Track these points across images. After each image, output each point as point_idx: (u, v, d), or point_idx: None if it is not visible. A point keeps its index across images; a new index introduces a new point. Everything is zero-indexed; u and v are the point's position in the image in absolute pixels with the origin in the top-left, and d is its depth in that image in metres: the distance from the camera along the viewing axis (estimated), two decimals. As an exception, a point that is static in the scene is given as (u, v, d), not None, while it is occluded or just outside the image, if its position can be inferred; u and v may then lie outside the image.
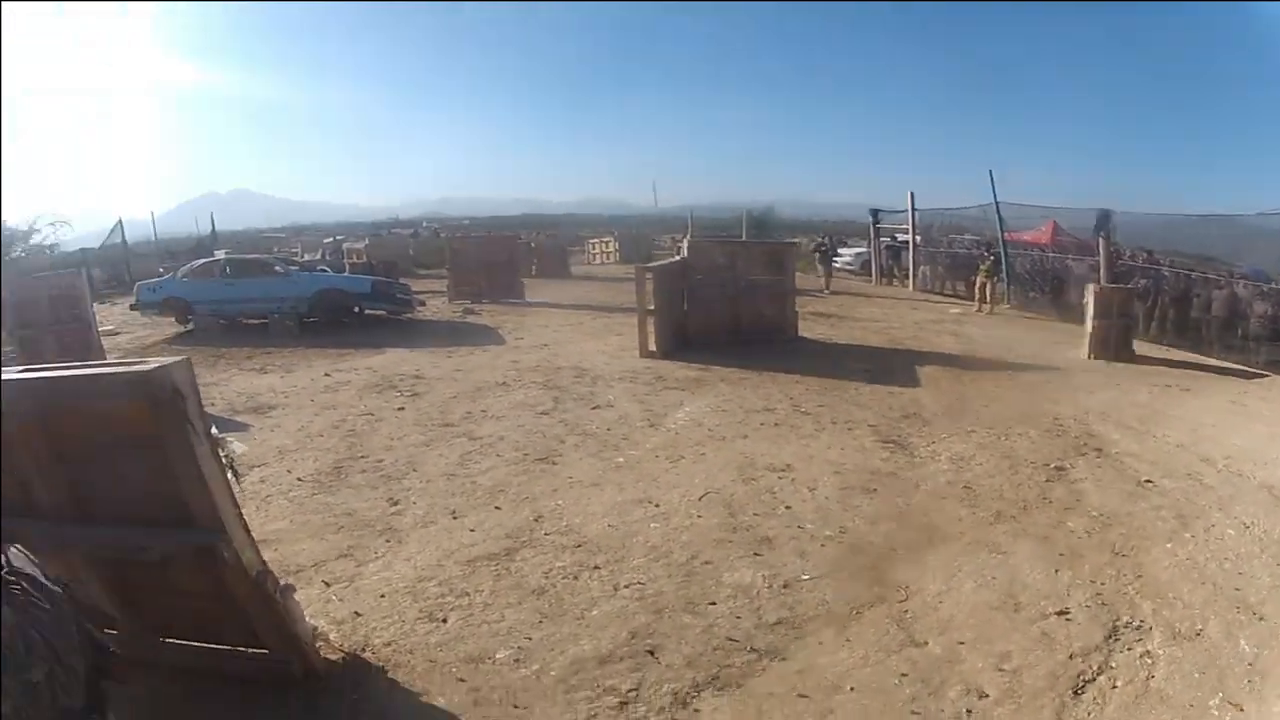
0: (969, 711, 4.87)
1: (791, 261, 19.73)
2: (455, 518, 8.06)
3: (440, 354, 17.44)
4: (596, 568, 6.86)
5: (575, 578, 6.69)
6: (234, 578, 4.66)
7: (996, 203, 27.09)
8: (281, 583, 4.97)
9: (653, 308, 16.39)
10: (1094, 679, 5.22)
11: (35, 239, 24.36)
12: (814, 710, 4.91)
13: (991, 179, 27.28)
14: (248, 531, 4.78)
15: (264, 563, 4.91)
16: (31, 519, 4.63)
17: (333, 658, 5.47)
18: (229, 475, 4.95)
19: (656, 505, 8.22)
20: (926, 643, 5.62)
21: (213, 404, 12.98)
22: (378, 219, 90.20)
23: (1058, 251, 26.34)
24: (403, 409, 12.64)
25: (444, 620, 6.00)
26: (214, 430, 4.91)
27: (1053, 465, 9.53)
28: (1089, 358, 16.74)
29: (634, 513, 8.06)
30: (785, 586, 6.45)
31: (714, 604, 6.20)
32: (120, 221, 38.70)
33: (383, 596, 6.40)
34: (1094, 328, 17.05)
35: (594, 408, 12.39)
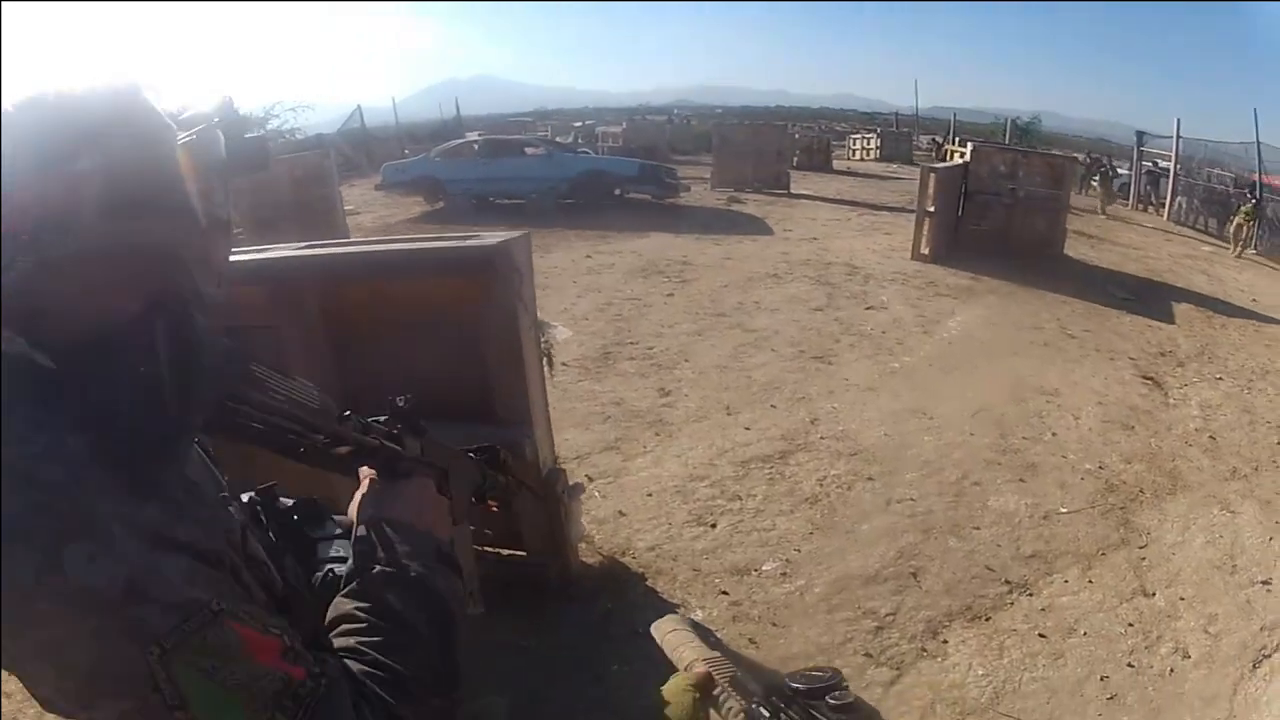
0: (1171, 671, 4.75)
1: (1070, 177, 18.98)
2: (729, 414, 7.80)
3: (707, 241, 17.07)
4: (870, 479, 6.60)
5: (849, 488, 6.45)
6: (525, 476, 4.28)
7: (1259, 143, 25.10)
8: (570, 481, 4.70)
9: (931, 210, 15.67)
10: (1270, 655, 4.96)
11: (273, 124, 24.76)
12: (1048, 651, 4.80)
13: (1255, 118, 25.49)
14: (549, 425, 4.64)
15: (556, 459, 4.79)
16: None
17: (590, 562, 5.28)
18: (544, 364, 4.73)
19: (930, 417, 7.89)
20: (1154, 594, 5.47)
21: None
22: (626, 106, 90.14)
23: None
24: (671, 295, 12.42)
25: (713, 525, 5.80)
26: (541, 319, 4.56)
27: None
28: None
29: (909, 423, 7.74)
30: (1044, 518, 6.23)
31: (978, 529, 6.01)
32: (359, 107, 39.38)
33: (649, 495, 6.21)
34: None
35: (867, 308, 11.98)
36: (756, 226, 19.38)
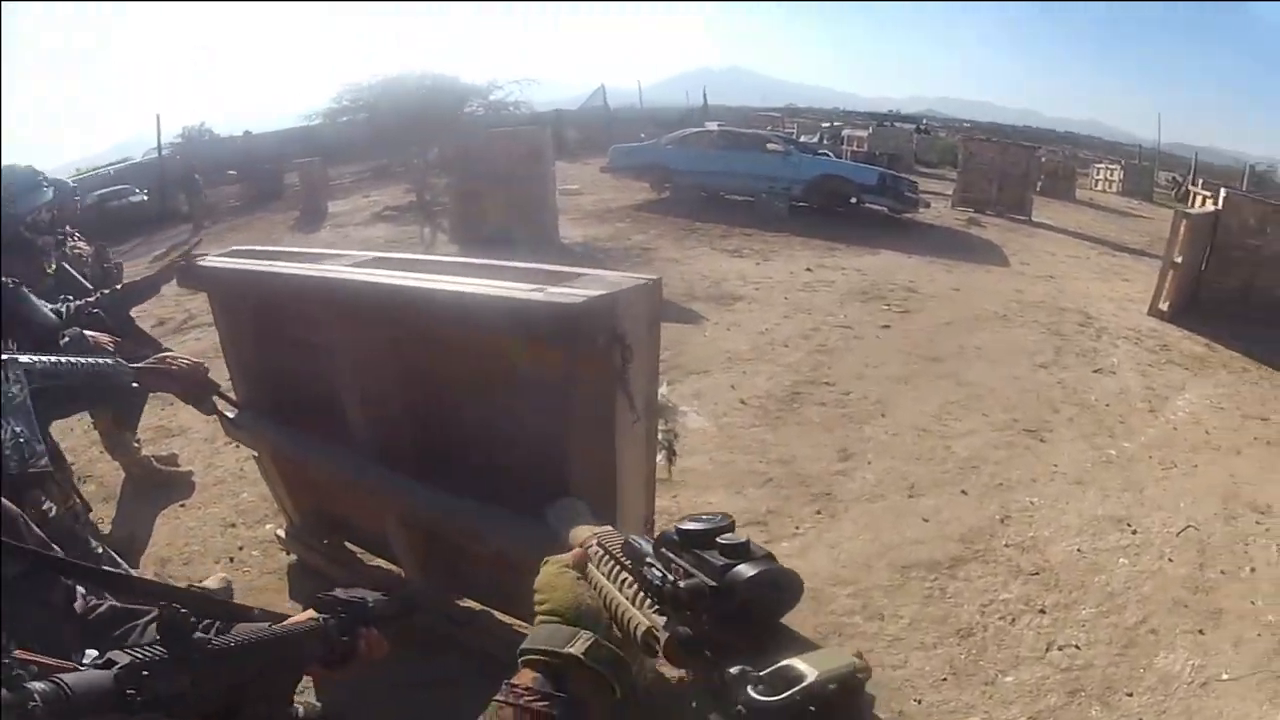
0: None
1: None
2: (911, 495, 6.69)
3: (939, 266, 15.83)
4: (1041, 611, 5.48)
5: (1013, 621, 5.36)
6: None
7: None
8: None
9: (1178, 260, 14.26)
10: None
11: (496, 95, 24.56)
12: None
13: None
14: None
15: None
16: (371, 461, 3.92)
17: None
18: (659, 458, 3.87)
19: (1134, 531, 6.67)
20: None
21: (669, 284, 12.10)
22: (875, 109, 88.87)
23: None
24: (887, 328, 11.27)
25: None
26: (663, 392, 3.55)
27: None
28: None
29: (1108, 536, 6.54)
30: (1203, 685, 5.08)
31: (1130, 695, 4.91)
32: (603, 86, 39.42)
33: None
34: None
35: (1095, 370, 10.61)
36: (993, 255, 18.08)
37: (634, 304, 2.93)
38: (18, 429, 2.81)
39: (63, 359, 3.02)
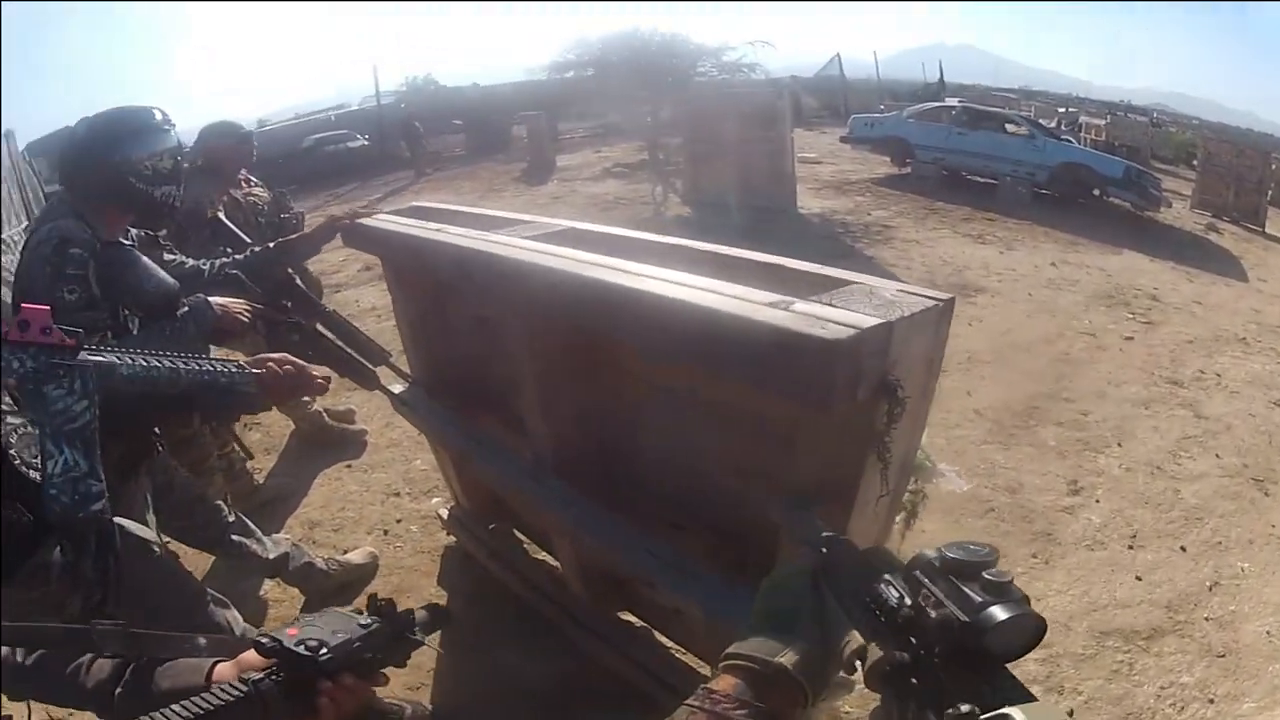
0: None
1: None
2: (1131, 547, 5.95)
3: (1180, 274, 14.69)
4: (1212, 701, 4.77)
5: (1181, 709, 4.67)
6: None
7: None
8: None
9: None
10: None
11: (729, 56, 24.23)
12: None
13: None
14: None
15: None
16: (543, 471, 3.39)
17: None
18: (897, 520, 3.33)
19: None
20: None
21: (909, 268, 11.86)
22: (1106, 98, 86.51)
23: None
24: (1131, 339, 10.35)
25: None
26: (921, 444, 2.81)
27: None
28: None
29: None
30: None
31: None
32: (838, 55, 39.09)
33: None
34: None
35: (1339, 415, 9.62)
36: (1231, 267, 16.70)
37: (915, 336, 2.10)
38: (74, 458, 2.15)
39: (162, 362, 2.34)
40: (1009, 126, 20.97)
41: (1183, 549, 6.03)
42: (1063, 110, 46.16)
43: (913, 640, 1.21)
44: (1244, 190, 22.84)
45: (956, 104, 23.90)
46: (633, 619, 3.93)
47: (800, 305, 2.05)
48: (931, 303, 2.14)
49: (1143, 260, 15.01)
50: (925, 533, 5.39)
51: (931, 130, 20.59)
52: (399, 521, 5.36)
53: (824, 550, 1.49)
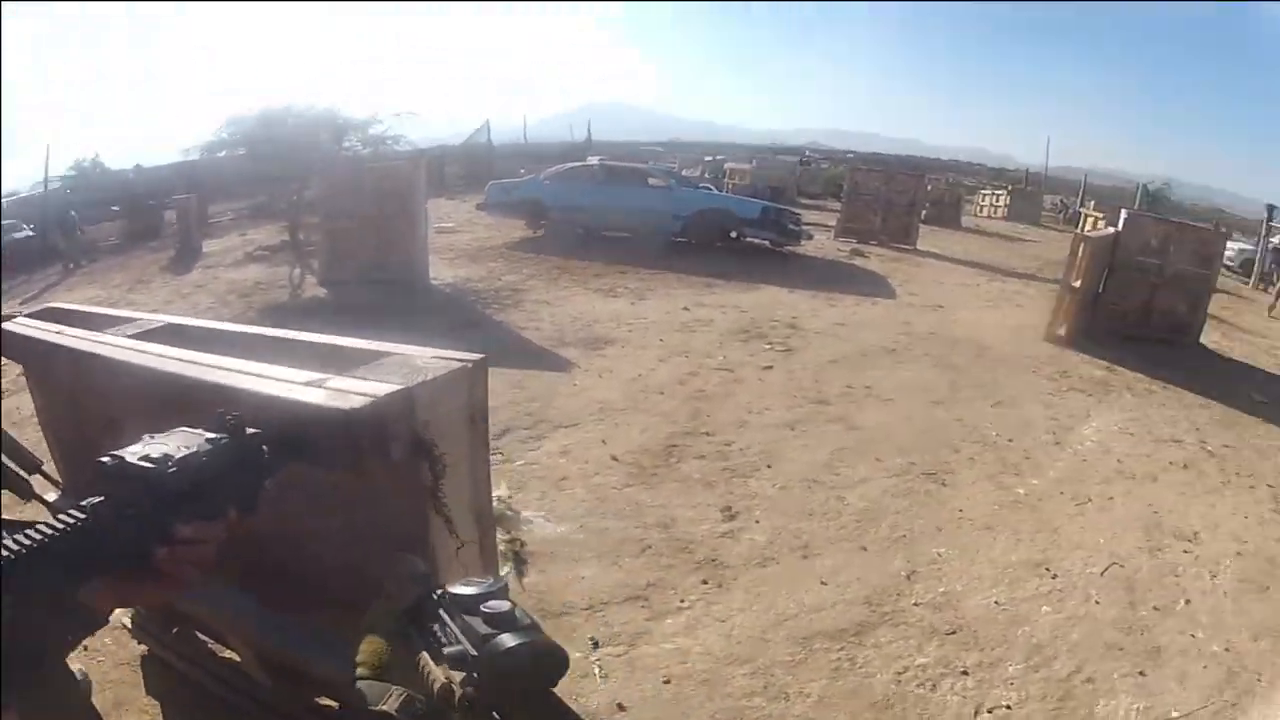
0: None
1: (1220, 255, 17.40)
2: (805, 557, 6.20)
3: (821, 300, 15.54)
4: (964, 672, 5.11)
5: (934, 687, 4.96)
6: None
7: None
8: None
9: (1076, 284, 14.25)
10: None
11: (375, 129, 24.21)
12: None
13: None
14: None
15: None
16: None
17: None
18: (505, 572, 3.65)
19: (1054, 575, 6.41)
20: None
21: (539, 328, 11.94)
22: (759, 143, 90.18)
23: None
24: (769, 368, 10.80)
25: None
26: (501, 495, 3.02)
27: None
28: None
29: (1027, 583, 6.25)
30: None
31: None
32: (487, 122, 39.53)
33: (667, 683, 4.67)
34: None
35: (994, 404, 10.36)
36: (878, 286, 17.90)
37: (446, 397, 2.32)
38: None
39: None
40: (651, 180, 21.53)
41: (863, 549, 6.39)
42: (709, 158, 47.80)
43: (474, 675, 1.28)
44: (893, 214, 24.72)
45: (594, 162, 24.57)
46: (330, 702, 3.88)
47: (334, 381, 2.24)
48: (458, 364, 2.38)
49: (781, 293, 15.70)
50: (584, 578, 5.52)
51: (569, 190, 20.82)
52: (94, 635, 5.17)
53: (414, 590, 1.54)
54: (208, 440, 1.44)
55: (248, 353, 2.72)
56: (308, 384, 2.24)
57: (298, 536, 2.90)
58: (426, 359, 2.46)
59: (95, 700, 4.57)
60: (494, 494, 2.94)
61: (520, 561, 4.53)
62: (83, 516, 1.22)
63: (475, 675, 1.27)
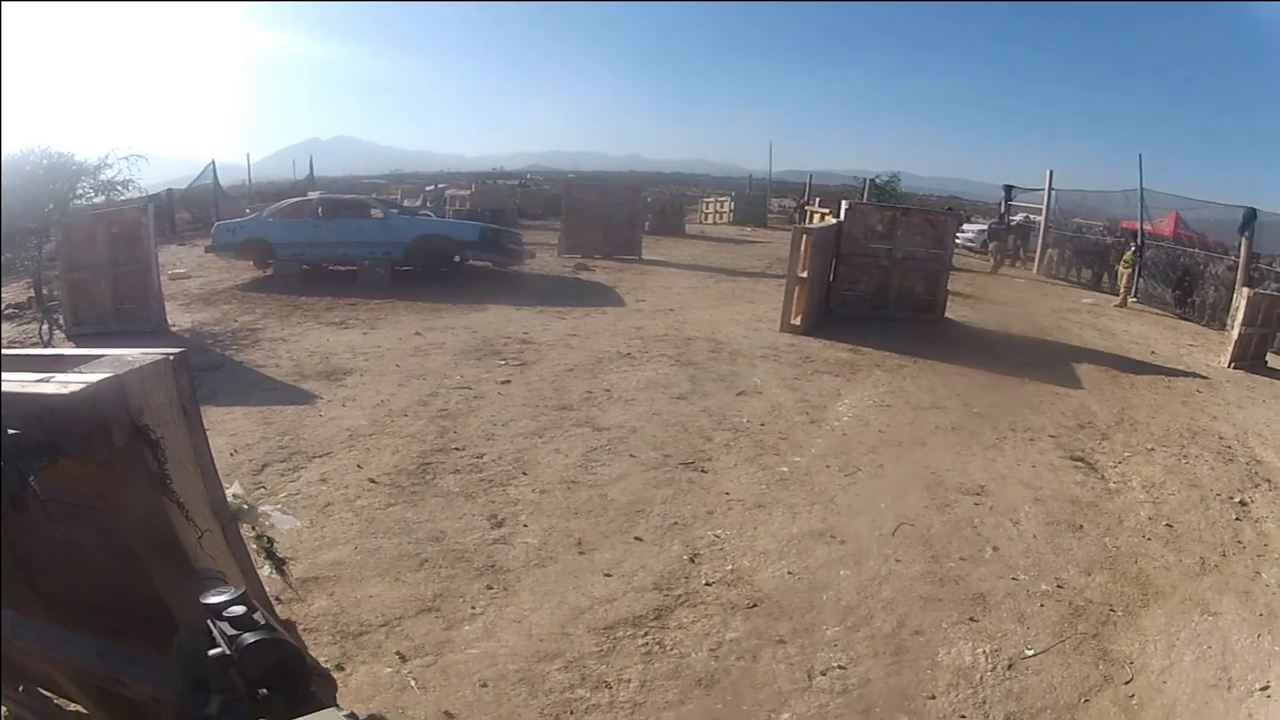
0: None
1: (951, 235, 18.09)
2: (582, 552, 6.22)
3: (551, 314, 15.58)
4: (781, 641, 5.18)
5: (754, 657, 5.01)
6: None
7: (1142, 190, 25.09)
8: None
9: (803, 275, 14.59)
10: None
11: (106, 174, 23.18)
12: None
13: (1140, 164, 25.47)
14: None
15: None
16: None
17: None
18: (266, 568, 3.72)
19: (842, 541, 6.56)
20: (1156, 737, 4.91)
21: (278, 365, 11.53)
22: (481, 170, 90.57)
23: (1176, 245, 24.57)
24: (508, 382, 10.75)
25: None
26: (235, 492, 2.90)
27: (1236, 499, 8.42)
28: (1228, 366, 15.42)
29: (816, 552, 6.37)
30: (1009, 667, 5.20)
31: (933, 698, 4.84)
32: (213, 163, 38.51)
33: (484, 686, 4.64)
34: (1240, 335, 15.57)
35: (739, 393, 10.52)
36: (606, 297, 18.15)
37: (154, 386, 2.42)
38: None
39: None
40: (373, 212, 21.22)
41: (638, 539, 6.43)
42: (430, 188, 47.55)
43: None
44: (614, 227, 24.98)
45: (314, 197, 24.17)
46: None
47: (59, 376, 2.31)
48: (160, 357, 2.52)
49: (510, 311, 15.73)
50: (372, 597, 5.42)
51: (291, 227, 20.35)
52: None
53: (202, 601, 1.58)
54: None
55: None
56: (38, 380, 2.26)
57: (67, 548, 2.85)
58: (134, 355, 2.54)
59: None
60: (229, 490, 2.99)
61: (278, 560, 4.31)
62: None
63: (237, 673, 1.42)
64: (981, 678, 5.03)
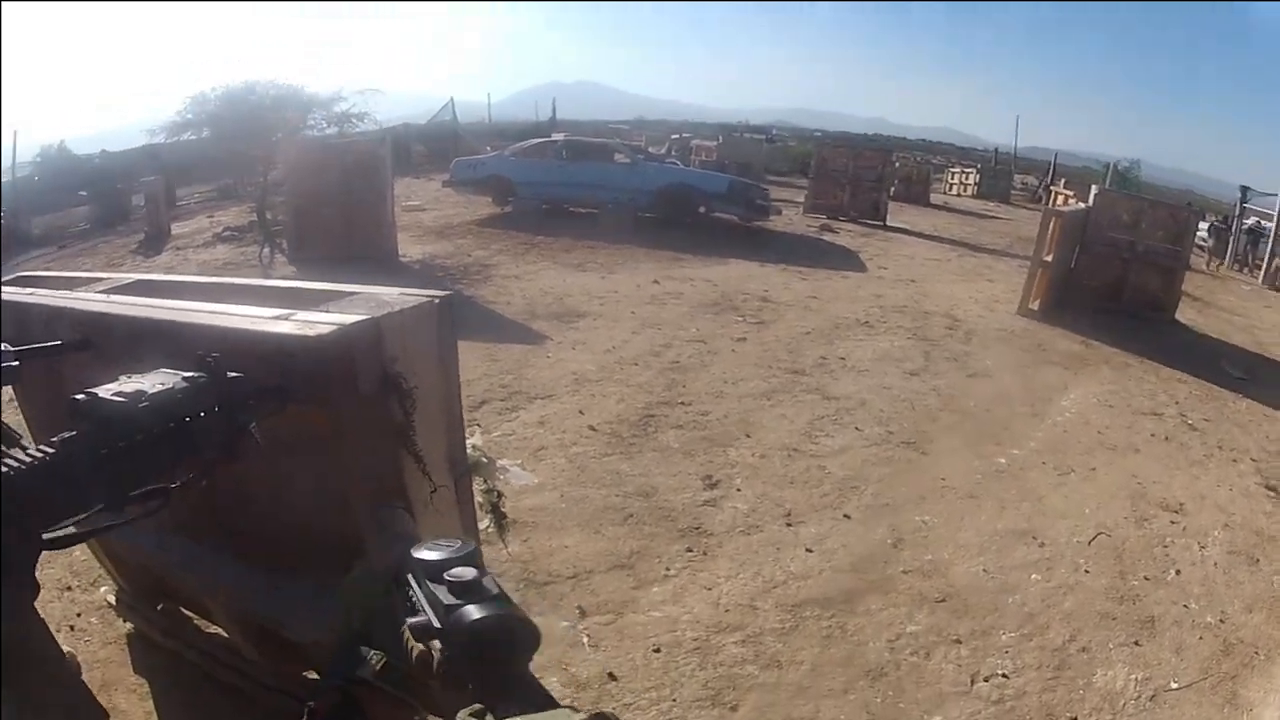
0: None
1: (1192, 233, 17.28)
2: (790, 524, 6.07)
3: (793, 274, 15.32)
4: (957, 640, 5.04)
5: (928, 654, 4.88)
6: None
7: None
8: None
9: (1048, 259, 14.11)
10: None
11: (340, 106, 23.76)
12: None
13: None
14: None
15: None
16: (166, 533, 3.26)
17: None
18: (484, 524, 3.58)
19: (1041, 544, 6.31)
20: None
21: (509, 302, 11.76)
22: (725, 121, 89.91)
23: None
24: (743, 340, 10.66)
25: (733, 709, 4.27)
26: (475, 443, 2.90)
27: None
28: None
29: (1014, 551, 6.16)
30: (1152, 698, 4.90)
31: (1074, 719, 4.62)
32: (451, 100, 38.87)
33: (657, 651, 4.58)
34: None
35: (970, 375, 10.26)
36: (849, 261, 17.74)
37: (412, 332, 2.26)
38: None
39: None
40: (617, 156, 21.27)
41: (847, 516, 6.29)
42: (676, 136, 47.41)
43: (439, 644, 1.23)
44: (861, 190, 24.43)
45: (559, 139, 24.14)
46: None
47: (301, 315, 2.17)
48: (425, 300, 2.32)
49: (752, 267, 15.53)
50: (567, 547, 5.43)
51: (534, 167, 20.58)
52: (79, 615, 4.86)
53: (397, 548, 1.52)
54: (184, 379, 1.46)
55: (216, 298, 2.61)
56: (274, 318, 2.16)
57: (273, 484, 2.81)
58: (393, 295, 2.39)
59: (84, 679, 4.50)
60: (470, 441, 2.88)
61: (500, 515, 4.38)
62: (51, 452, 1.21)
63: (439, 647, 1.23)
64: (1125, 705, 4.84)
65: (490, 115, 45.96)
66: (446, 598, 1.24)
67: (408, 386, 2.18)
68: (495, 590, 1.25)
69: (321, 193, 14.62)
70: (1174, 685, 5.03)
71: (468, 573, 1.27)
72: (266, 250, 15.50)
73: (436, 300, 2.31)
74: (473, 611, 1.20)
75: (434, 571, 1.29)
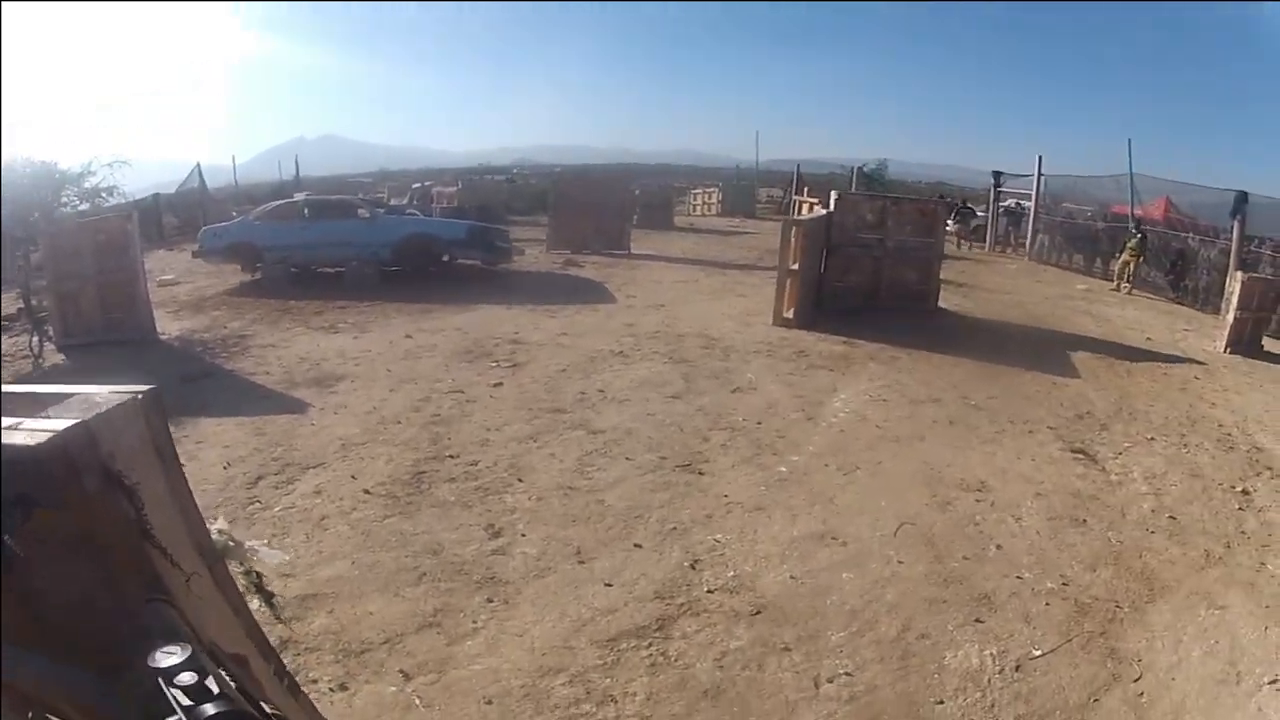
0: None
1: (942, 223, 18.25)
2: (581, 561, 6.14)
3: (541, 313, 15.40)
4: (786, 649, 5.12)
5: (760, 666, 4.94)
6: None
7: (1131, 175, 25.17)
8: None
9: (794, 268, 14.46)
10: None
11: (90, 181, 22.91)
12: None
13: (1129, 149, 25.41)
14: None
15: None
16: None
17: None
18: (255, 602, 3.56)
19: (844, 543, 6.51)
20: (1166, 735, 4.78)
21: (269, 372, 11.44)
22: (468, 165, 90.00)
23: (1168, 229, 24.31)
24: (500, 385, 10.65)
25: None
26: (220, 527, 2.82)
27: (1238, 488, 8.42)
28: (1224, 351, 15.50)
29: (817, 555, 6.31)
30: (1017, 669, 5.15)
31: (941, 703, 4.79)
32: (198, 166, 37.98)
33: (489, 703, 4.59)
34: (1235, 319, 15.81)
35: (734, 390, 10.47)
36: (597, 293, 17.99)
37: (123, 429, 2.23)
38: None
39: None
40: (360, 212, 20.86)
41: (638, 546, 6.34)
42: (417, 185, 47.27)
43: None
44: (603, 221, 24.69)
45: (300, 198, 23.68)
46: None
47: (28, 423, 2.12)
48: (129, 397, 2.29)
49: (500, 310, 15.58)
50: (372, 613, 5.34)
51: (278, 230, 20.04)
52: None
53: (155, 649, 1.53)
54: None
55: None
56: (8, 428, 2.03)
57: (53, 586, 2.73)
58: (104, 395, 2.32)
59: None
60: (213, 527, 2.84)
61: (268, 595, 4.24)
62: None
63: None
64: (989, 680, 4.98)
65: (236, 178, 44.92)
66: (184, 700, 1.32)
67: (130, 482, 2.14)
68: (218, 690, 1.35)
69: (79, 274, 14.21)
70: (1037, 653, 5.28)
71: (192, 677, 1.37)
72: (36, 339, 14.80)
73: (139, 396, 2.28)
74: (209, 709, 1.30)
75: (168, 677, 1.38)
